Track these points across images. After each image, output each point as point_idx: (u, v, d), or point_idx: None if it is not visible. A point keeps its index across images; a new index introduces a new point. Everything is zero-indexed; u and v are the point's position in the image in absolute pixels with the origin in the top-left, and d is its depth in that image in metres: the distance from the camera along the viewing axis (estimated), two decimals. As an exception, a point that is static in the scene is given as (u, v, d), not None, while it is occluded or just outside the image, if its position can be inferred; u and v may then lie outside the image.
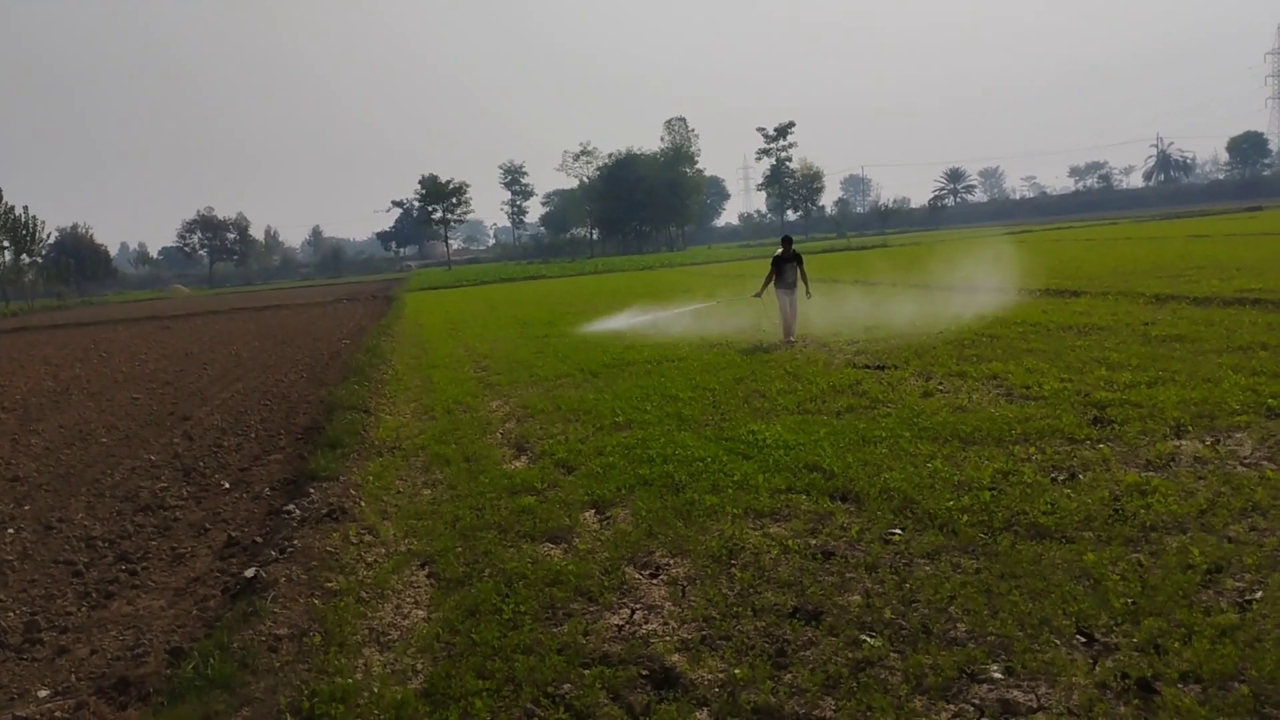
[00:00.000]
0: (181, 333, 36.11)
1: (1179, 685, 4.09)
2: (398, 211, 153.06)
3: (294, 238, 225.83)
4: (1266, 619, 4.58)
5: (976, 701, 4.16)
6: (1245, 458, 7.25)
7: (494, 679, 4.71)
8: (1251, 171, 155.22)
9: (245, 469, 10.37)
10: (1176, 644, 4.42)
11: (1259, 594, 4.87)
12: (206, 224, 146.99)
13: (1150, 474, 7.01)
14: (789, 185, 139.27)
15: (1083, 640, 4.58)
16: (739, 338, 17.75)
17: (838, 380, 11.98)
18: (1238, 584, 5.05)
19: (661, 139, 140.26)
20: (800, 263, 16.96)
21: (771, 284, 17.08)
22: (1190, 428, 8.20)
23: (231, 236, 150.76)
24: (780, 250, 17.15)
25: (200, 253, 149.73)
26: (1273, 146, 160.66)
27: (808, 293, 17.12)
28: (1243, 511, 6.06)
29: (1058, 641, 4.58)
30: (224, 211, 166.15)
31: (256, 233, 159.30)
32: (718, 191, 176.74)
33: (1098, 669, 4.29)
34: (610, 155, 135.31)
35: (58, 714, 4.91)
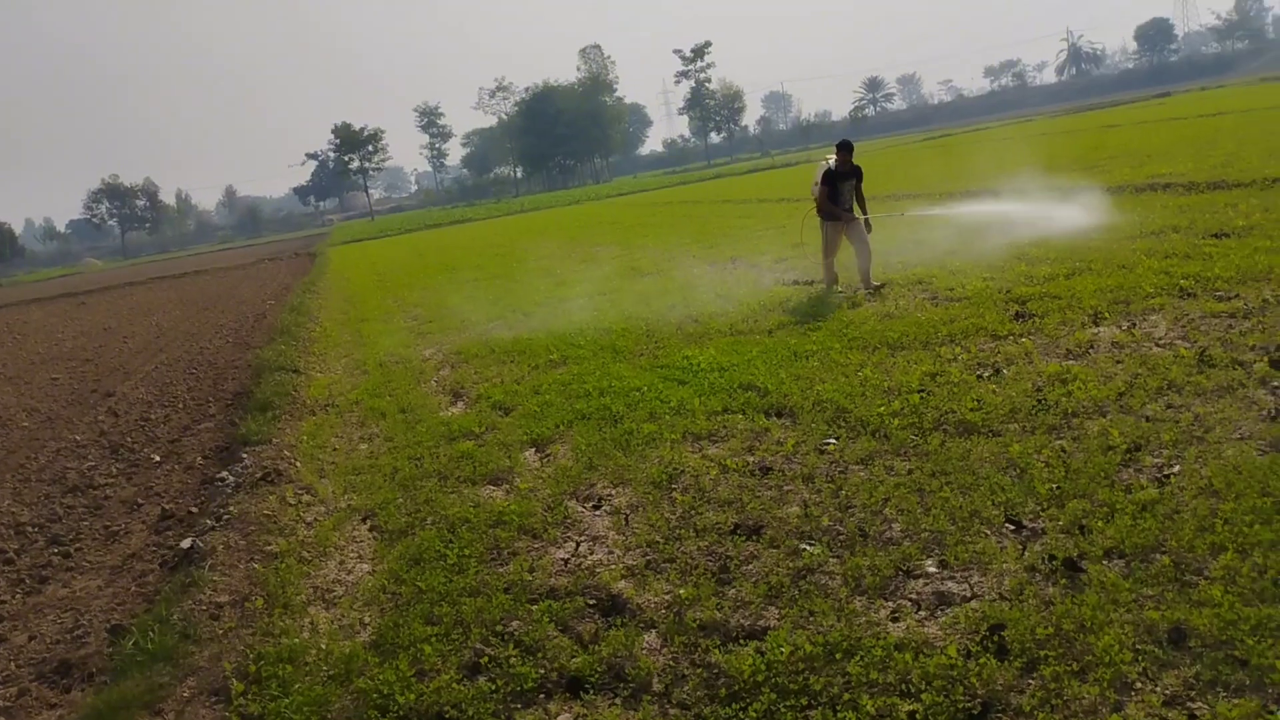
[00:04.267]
0: (98, 307, 34.92)
1: (1103, 562, 4.25)
2: (313, 164, 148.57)
3: (207, 200, 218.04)
4: (1184, 491, 4.76)
5: (913, 596, 4.29)
6: (1160, 338, 7.48)
7: (442, 624, 4.72)
8: (1160, 58, 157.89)
9: (175, 440, 10.13)
10: (1100, 523, 4.58)
11: (1176, 468, 5.05)
12: (113, 192, 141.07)
13: (1070, 362, 7.20)
14: (710, 107, 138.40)
15: (1011, 528, 4.72)
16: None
17: (767, 299, 12.04)
18: (1156, 460, 5.23)
19: (578, 69, 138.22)
20: (860, 180, 11.99)
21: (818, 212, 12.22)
22: (1107, 314, 8.42)
23: (141, 204, 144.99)
24: (833, 160, 11.82)
25: (110, 223, 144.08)
26: (1178, 32, 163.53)
27: (867, 223, 11.97)
28: (1159, 390, 6.26)
29: (988, 531, 4.73)
30: (130, 178, 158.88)
31: (167, 197, 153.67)
32: (639, 119, 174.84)
33: (1026, 554, 4.44)
34: (527, 89, 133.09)
35: (0, 703, 4.82)
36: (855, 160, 11.86)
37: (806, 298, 11.69)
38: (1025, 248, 12.27)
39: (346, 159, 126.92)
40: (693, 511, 5.64)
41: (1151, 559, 4.20)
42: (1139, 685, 3.43)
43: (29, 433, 11.78)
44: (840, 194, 11.81)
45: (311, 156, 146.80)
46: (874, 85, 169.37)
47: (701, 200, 40.45)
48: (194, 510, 7.41)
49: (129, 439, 10.47)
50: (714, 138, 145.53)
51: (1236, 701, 3.23)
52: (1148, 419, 5.81)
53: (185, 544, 6.38)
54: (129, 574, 6.38)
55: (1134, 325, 7.95)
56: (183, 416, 11.33)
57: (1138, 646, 3.60)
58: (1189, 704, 3.30)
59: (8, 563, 6.98)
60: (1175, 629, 3.65)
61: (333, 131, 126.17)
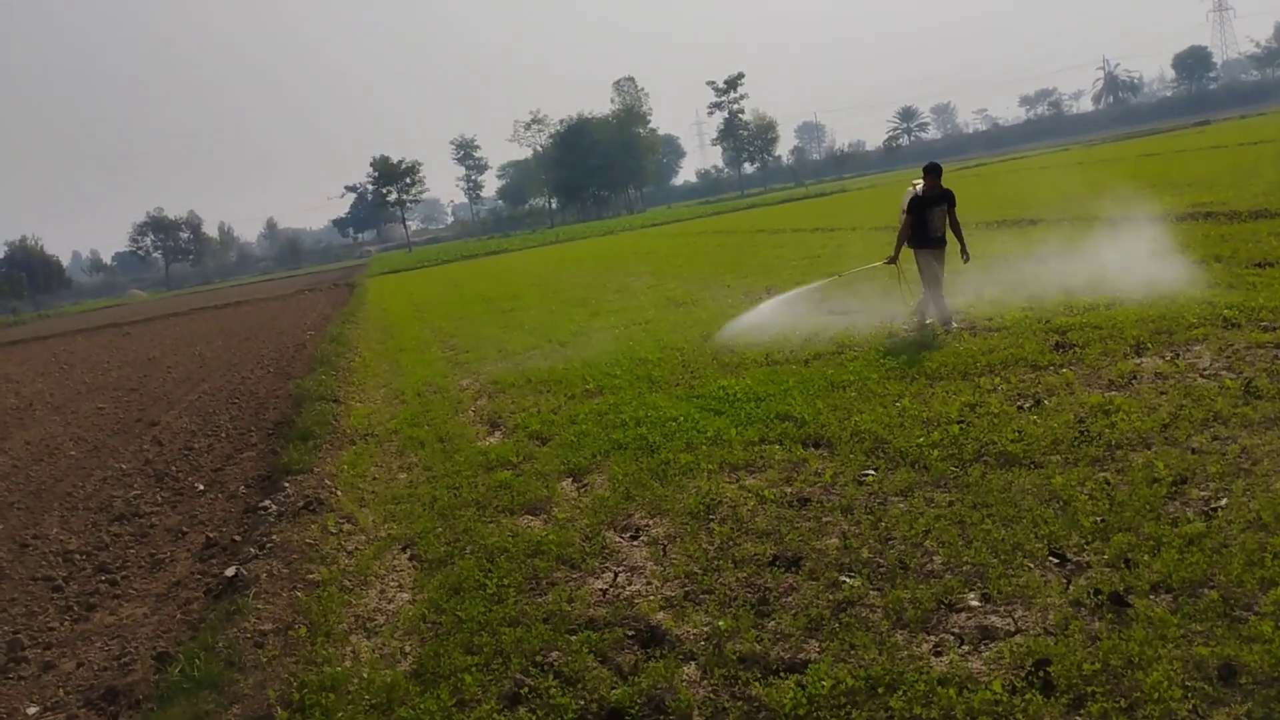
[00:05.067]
0: (143, 338, 35.60)
1: (1150, 596, 4.19)
2: (352, 196, 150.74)
3: (248, 232, 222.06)
4: (1232, 524, 4.69)
5: (956, 630, 4.25)
6: (1204, 369, 7.38)
7: (482, 653, 4.74)
8: (1198, 86, 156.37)
9: (218, 469, 10.29)
10: (1146, 556, 4.52)
11: (1224, 501, 4.98)
12: (158, 225, 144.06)
13: (1113, 393, 7.13)
14: (744, 138, 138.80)
15: (1055, 561, 4.67)
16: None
17: (803, 329, 12.02)
18: (1203, 493, 5.16)
19: (611, 100, 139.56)
20: (953, 205, 10.88)
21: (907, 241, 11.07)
22: (1149, 345, 8.33)
23: (185, 236, 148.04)
24: (920, 186, 10.84)
25: (155, 255, 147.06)
26: (1217, 60, 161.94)
27: (964, 253, 10.90)
28: (1204, 422, 6.18)
29: (1031, 565, 4.68)
30: (174, 211, 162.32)
31: (210, 230, 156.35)
32: (673, 150, 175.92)
33: (1071, 588, 4.38)
34: (561, 121, 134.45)
35: (48, 730, 4.90)
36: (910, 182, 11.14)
37: (843, 327, 11.65)
38: (1065, 276, 12.17)
39: (385, 191, 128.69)
40: (731, 542, 5.63)
41: (1200, 593, 4.14)
42: (1189, 723, 3.37)
43: (76, 461, 12.02)
44: (929, 223, 10.77)
45: (350, 189, 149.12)
46: (908, 115, 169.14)
47: (735, 230, 40.55)
48: (237, 539, 7.51)
49: (173, 468, 10.64)
50: (747, 168, 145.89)
51: (1291, 741, 3.17)
52: (1194, 451, 5.73)
53: (229, 572, 6.46)
54: (174, 601, 6.47)
55: (1177, 356, 7.86)
56: (225, 446, 11.50)
57: (1187, 683, 3.54)
58: (1242, 743, 3.24)
59: (56, 590, 7.11)
60: (1225, 665, 3.59)
61: (371, 164, 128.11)
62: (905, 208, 10.92)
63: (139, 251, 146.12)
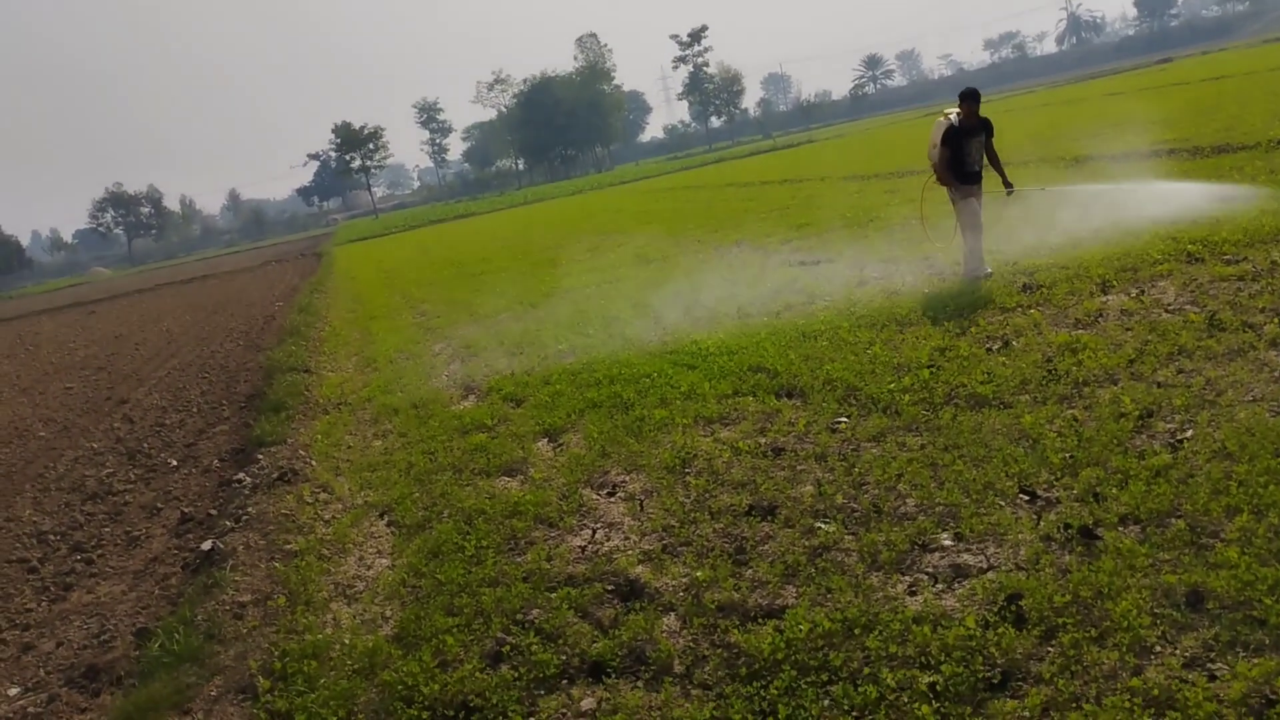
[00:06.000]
0: (108, 316, 35.10)
1: (1119, 528, 4.26)
2: (315, 164, 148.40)
3: (211, 204, 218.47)
4: (1198, 455, 4.76)
5: (930, 570, 4.31)
6: (1169, 304, 7.45)
7: (463, 614, 4.76)
8: (1160, 24, 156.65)
9: (191, 444, 10.20)
10: (1114, 490, 4.59)
11: (1189, 433, 5.05)
12: (118, 200, 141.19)
13: (1080, 332, 7.19)
14: (709, 91, 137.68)
15: (1026, 498, 4.73)
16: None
17: (775, 280, 12.03)
18: (1169, 425, 5.23)
19: (575, 58, 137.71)
20: (991, 135, 9.92)
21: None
22: (1115, 282, 8.40)
23: (146, 210, 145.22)
24: (956, 114, 9.82)
25: (116, 231, 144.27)
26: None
27: (1007, 185, 10.14)
28: (1170, 356, 6.25)
29: (1002, 503, 4.74)
30: (134, 185, 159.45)
31: (171, 203, 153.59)
32: (639, 106, 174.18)
33: (1041, 523, 4.45)
34: (525, 81, 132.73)
35: (30, 710, 4.89)
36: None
37: (814, 277, 11.67)
38: (1032, 218, 12.22)
39: (348, 158, 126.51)
40: (707, 494, 5.66)
41: (1167, 524, 4.21)
42: (1158, 649, 3.44)
43: (46, 442, 11.88)
44: (967, 154, 9.68)
45: (313, 157, 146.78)
46: (873, 63, 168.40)
47: (704, 185, 40.38)
48: (213, 512, 7.47)
49: (145, 445, 10.54)
50: (714, 122, 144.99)
51: (1256, 661, 3.25)
52: (1159, 385, 5.80)
53: (206, 546, 6.44)
54: (152, 578, 6.45)
55: (1142, 292, 7.93)
56: (197, 420, 11.40)
57: (1156, 610, 3.62)
58: (1209, 665, 3.31)
59: (32, 571, 7.06)
60: (1193, 592, 3.67)
61: (333, 131, 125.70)
62: (939, 140, 9.76)
63: (100, 228, 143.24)
